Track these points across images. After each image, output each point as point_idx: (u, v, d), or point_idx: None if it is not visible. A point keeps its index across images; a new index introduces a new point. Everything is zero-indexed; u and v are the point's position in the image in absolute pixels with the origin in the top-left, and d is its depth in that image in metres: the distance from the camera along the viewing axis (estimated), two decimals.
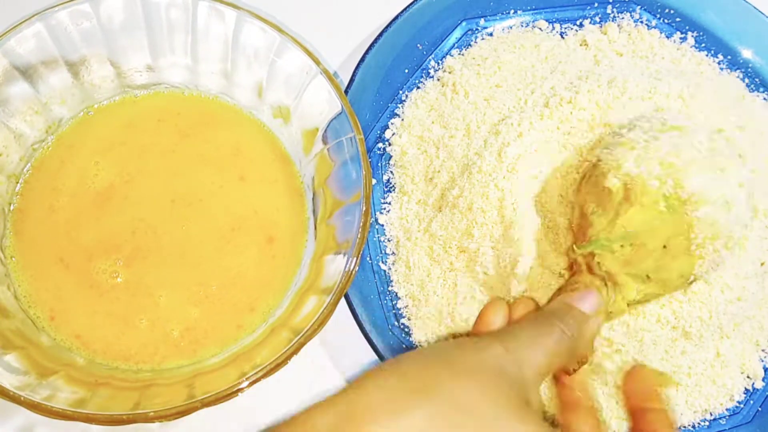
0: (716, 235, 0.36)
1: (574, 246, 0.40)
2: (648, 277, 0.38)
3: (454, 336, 0.45)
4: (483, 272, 0.44)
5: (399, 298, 0.47)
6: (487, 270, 0.44)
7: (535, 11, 0.53)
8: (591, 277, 0.39)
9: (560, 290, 0.41)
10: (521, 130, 0.45)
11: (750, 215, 0.39)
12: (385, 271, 0.47)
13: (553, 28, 0.53)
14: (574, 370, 0.38)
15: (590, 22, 0.53)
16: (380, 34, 0.50)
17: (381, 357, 0.43)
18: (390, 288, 0.47)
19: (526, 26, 0.53)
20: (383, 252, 0.48)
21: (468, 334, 0.44)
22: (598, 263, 0.38)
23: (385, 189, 0.50)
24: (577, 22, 0.53)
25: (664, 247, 0.37)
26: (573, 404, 0.41)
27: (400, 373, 0.33)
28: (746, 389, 0.46)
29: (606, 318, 0.39)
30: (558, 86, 0.47)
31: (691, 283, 0.39)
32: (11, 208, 0.45)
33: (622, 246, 0.38)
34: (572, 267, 0.42)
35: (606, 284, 0.39)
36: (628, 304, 0.39)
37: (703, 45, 0.53)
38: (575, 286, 0.39)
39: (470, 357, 0.34)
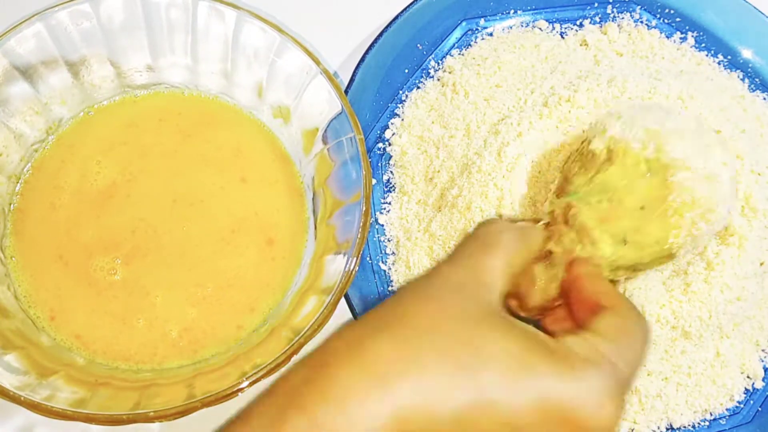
0: (694, 204, 0.36)
1: (553, 197, 0.40)
2: (624, 241, 0.38)
3: None
4: None
5: None
6: None
7: (535, 11, 0.53)
8: (566, 228, 0.39)
9: None
10: (521, 129, 0.45)
11: (733, 202, 0.38)
12: (385, 271, 0.47)
13: (553, 28, 0.53)
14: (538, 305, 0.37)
15: (590, 22, 0.53)
16: (380, 34, 0.50)
17: None
18: (390, 288, 0.47)
19: (526, 26, 0.53)
20: (383, 252, 0.48)
21: None
22: (574, 215, 0.38)
23: (385, 189, 0.50)
24: (577, 22, 0.53)
25: (642, 208, 0.37)
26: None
27: (364, 317, 0.34)
28: (746, 389, 0.46)
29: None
30: (557, 86, 0.47)
31: (670, 257, 0.38)
32: (11, 208, 0.45)
33: (599, 201, 0.37)
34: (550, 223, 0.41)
35: (580, 239, 0.38)
36: (609, 272, 0.39)
37: (703, 45, 0.53)
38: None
39: (421, 285, 0.35)
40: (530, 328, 0.33)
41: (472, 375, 0.30)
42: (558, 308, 0.38)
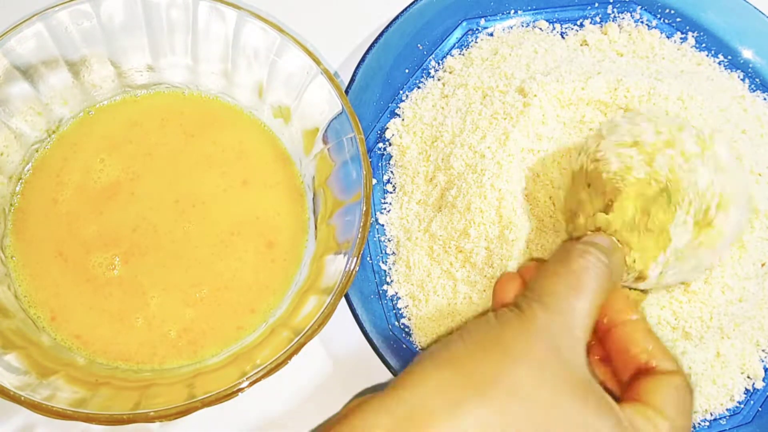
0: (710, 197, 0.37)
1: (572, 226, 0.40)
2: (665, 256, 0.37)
3: None
4: (477, 273, 0.44)
5: (399, 298, 0.47)
6: (479, 270, 0.44)
7: (536, 11, 0.53)
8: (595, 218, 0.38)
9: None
10: (517, 129, 0.45)
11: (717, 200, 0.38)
12: (385, 271, 0.47)
13: (554, 28, 0.53)
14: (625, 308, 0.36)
15: (591, 22, 0.53)
16: (381, 34, 0.50)
17: (381, 357, 0.43)
18: (390, 288, 0.47)
19: (527, 26, 0.53)
20: (383, 252, 0.48)
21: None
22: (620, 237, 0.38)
23: (385, 189, 0.50)
24: (578, 22, 0.53)
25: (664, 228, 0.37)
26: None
27: (453, 366, 0.32)
28: (746, 389, 0.46)
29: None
30: (557, 84, 0.47)
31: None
32: (11, 209, 0.45)
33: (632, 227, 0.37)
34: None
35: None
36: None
37: (703, 45, 0.53)
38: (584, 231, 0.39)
39: (519, 335, 0.32)
40: (610, 399, 0.32)
41: None
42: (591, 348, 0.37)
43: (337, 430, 0.30)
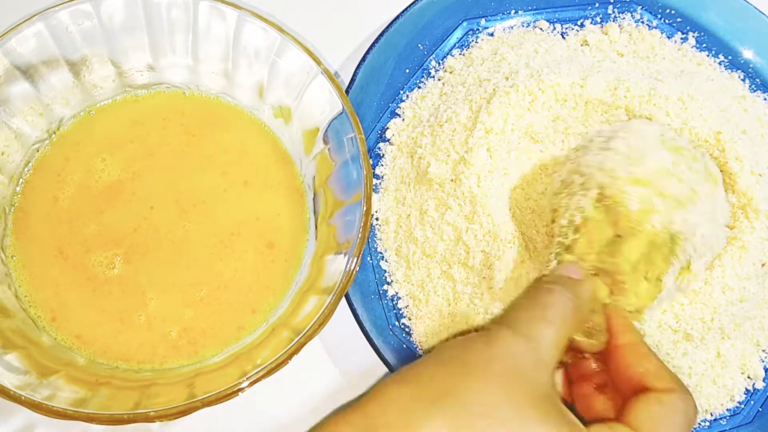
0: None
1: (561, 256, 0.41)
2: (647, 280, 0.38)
3: (457, 335, 0.45)
4: (475, 274, 0.44)
5: (399, 298, 0.47)
6: (477, 272, 0.44)
7: (536, 11, 0.53)
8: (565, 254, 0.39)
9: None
10: (509, 125, 0.45)
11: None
12: (385, 270, 0.47)
13: (554, 29, 0.53)
14: (585, 354, 0.38)
15: (591, 23, 0.53)
16: (381, 34, 0.50)
17: (381, 357, 0.43)
18: (390, 288, 0.47)
19: (527, 26, 0.53)
20: (383, 251, 0.48)
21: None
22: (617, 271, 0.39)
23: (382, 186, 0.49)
24: (578, 23, 0.53)
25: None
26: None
27: (414, 382, 0.33)
28: (747, 390, 0.46)
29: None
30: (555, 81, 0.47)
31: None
32: (12, 209, 0.45)
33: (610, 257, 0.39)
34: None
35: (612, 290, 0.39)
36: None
37: (704, 45, 0.53)
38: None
39: (482, 354, 0.34)
40: (572, 417, 0.33)
41: None
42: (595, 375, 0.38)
43: None
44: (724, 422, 0.45)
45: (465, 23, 0.53)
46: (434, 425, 0.30)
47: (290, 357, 0.38)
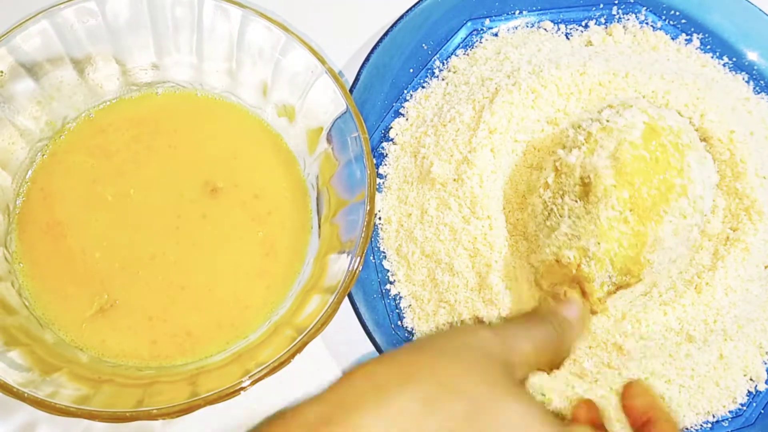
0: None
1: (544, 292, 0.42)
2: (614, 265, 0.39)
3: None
4: (475, 274, 0.44)
5: (401, 298, 0.47)
6: (471, 269, 0.44)
7: (541, 12, 0.53)
8: (570, 290, 0.40)
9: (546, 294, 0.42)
10: (497, 105, 0.45)
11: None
12: (388, 270, 0.47)
13: (559, 29, 0.53)
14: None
15: (595, 23, 0.53)
16: (385, 34, 0.50)
17: None
18: (393, 287, 0.47)
19: (532, 27, 0.53)
20: (386, 250, 0.48)
21: None
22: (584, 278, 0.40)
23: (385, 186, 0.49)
24: (583, 23, 0.53)
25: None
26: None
27: (387, 361, 0.34)
28: (749, 392, 0.46)
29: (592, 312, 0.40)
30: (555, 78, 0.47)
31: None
32: (16, 212, 0.45)
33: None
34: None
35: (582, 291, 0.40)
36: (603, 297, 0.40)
37: (708, 47, 0.53)
38: (559, 294, 0.40)
39: (456, 340, 0.35)
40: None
41: None
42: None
43: (274, 421, 0.32)
44: (726, 424, 0.45)
45: (469, 23, 0.53)
46: (402, 397, 0.31)
47: (293, 356, 0.38)
